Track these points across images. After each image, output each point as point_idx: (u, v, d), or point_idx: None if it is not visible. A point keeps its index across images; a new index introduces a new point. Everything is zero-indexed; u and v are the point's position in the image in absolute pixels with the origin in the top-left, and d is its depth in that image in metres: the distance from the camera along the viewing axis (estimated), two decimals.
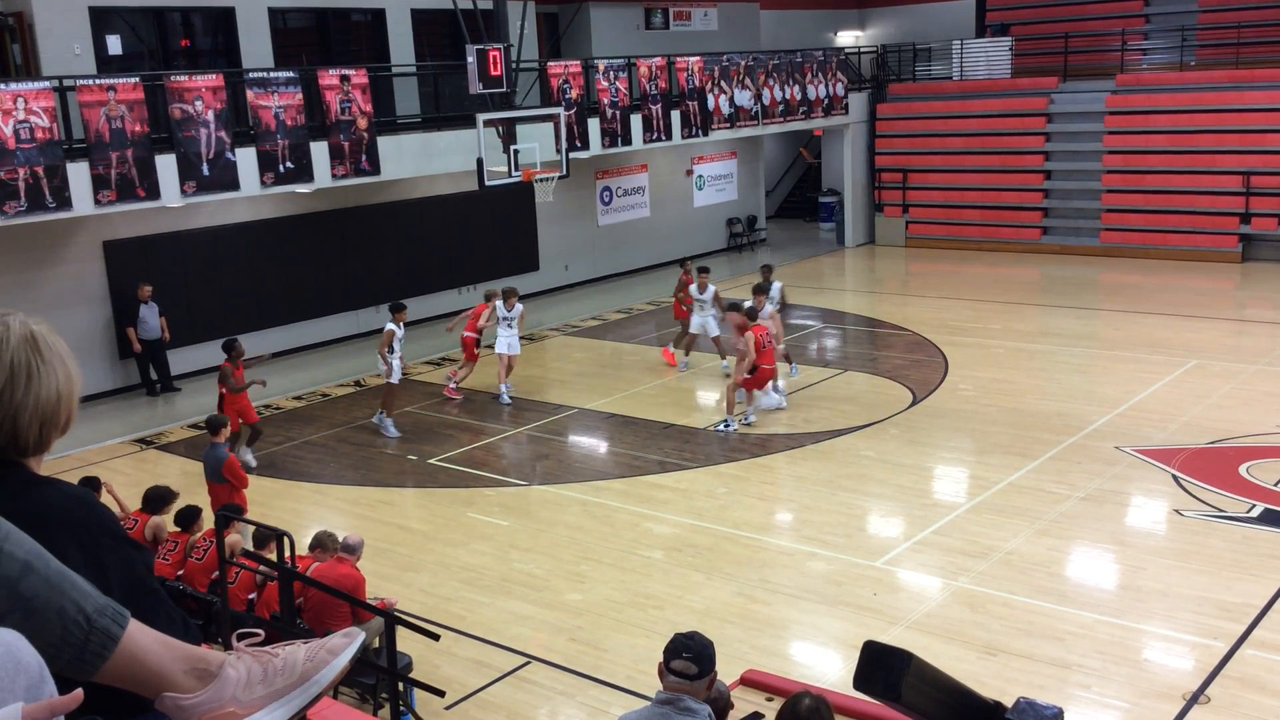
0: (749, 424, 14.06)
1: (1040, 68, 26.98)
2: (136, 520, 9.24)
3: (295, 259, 18.89)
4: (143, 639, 1.63)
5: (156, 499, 9.46)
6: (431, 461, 13.51)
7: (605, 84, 19.97)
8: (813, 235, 29.55)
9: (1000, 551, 10.14)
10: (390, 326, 14.20)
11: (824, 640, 9.03)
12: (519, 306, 15.74)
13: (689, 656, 4.07)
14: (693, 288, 16.60)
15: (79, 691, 1.47)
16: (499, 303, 15.64)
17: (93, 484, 9.58)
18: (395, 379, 14.24)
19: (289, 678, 1.69)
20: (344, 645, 1.74)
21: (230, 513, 8.87)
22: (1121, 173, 24.44)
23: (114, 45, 16.77)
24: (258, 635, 1.77)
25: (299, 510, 12.18)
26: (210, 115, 14.81)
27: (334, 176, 16.38)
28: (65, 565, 1.65)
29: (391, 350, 14.11)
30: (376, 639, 7.94)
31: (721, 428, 14.07)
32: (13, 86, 13.15)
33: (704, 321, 16.39)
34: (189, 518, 9.28)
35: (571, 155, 18.36)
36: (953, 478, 12.56)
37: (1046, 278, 22.90)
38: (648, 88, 20.81)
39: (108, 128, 13.84)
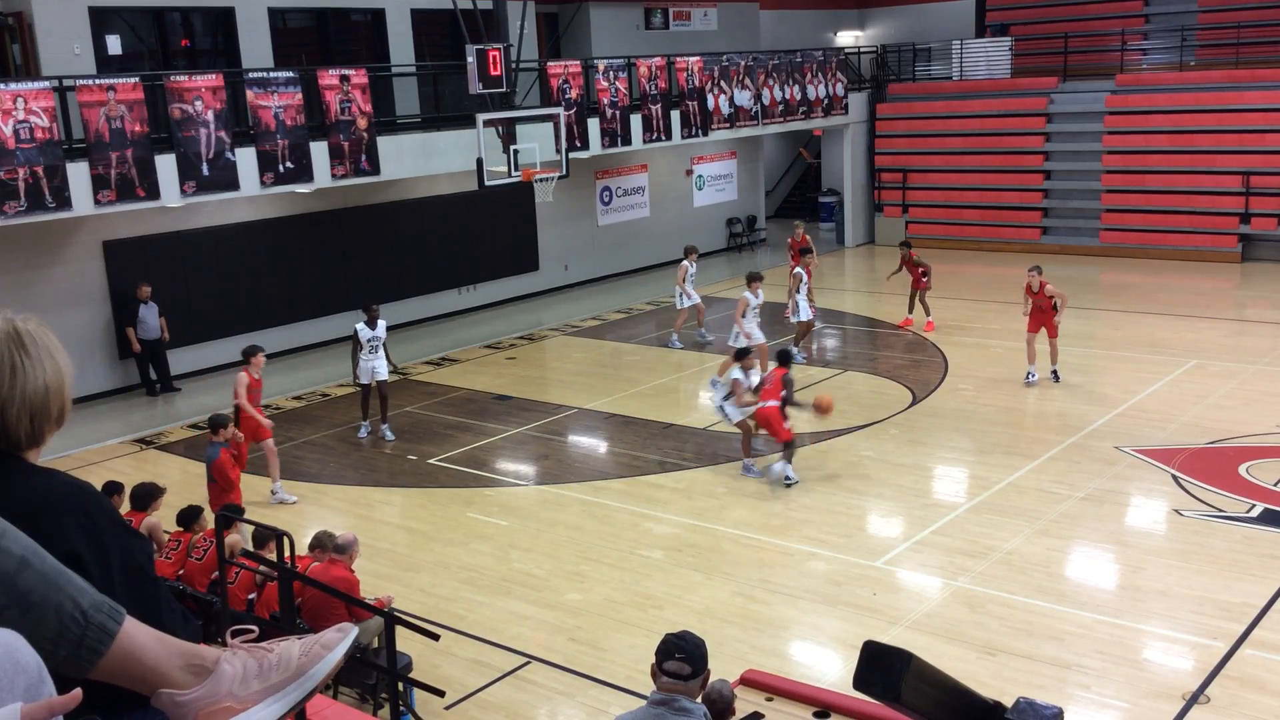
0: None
1: (1040, 68, 26.97)
2: (131, 520, 9.20)
3: (295, 259, 18.89)
4: (138, 635, 1.63)
5: (145, 495, 9.37)
6: (431, 461, 13.51)
7: (605, 84, 19.96)
8: (812, 235, 29.48)
9: (1000, 551, 10.13)
10: None
11: (824, 640, 9.03)
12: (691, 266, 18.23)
13: (682, 657, 4.07)
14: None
15: (78, 691, 1.48)
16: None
17: (114, 489, 9.45)
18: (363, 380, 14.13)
19: (284, 673, 1.70)
20: (338, 640, 1.76)
21: (231, 513, 8.87)
22: (1121, 173, 24.44)
23: (114, 45, 16.76)
24: (252, 632, 1.78)
25: (299, 510, 12.19)
26: (210, 115, 14.80)
27: (334, 176, 16.38)
28: (69, 550, 1.67)
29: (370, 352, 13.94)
30: (376, 639, 7.94)
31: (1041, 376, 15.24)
32: (13, 86, 13.15)
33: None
34: (190, 517, 9.25)
35: (571, 155, 18.35)
36: (953, 478, 12.56)
37: (1046, 277, 22.80)
38: (647, 88, 20.80)
39: (107, 128, 13.84)
